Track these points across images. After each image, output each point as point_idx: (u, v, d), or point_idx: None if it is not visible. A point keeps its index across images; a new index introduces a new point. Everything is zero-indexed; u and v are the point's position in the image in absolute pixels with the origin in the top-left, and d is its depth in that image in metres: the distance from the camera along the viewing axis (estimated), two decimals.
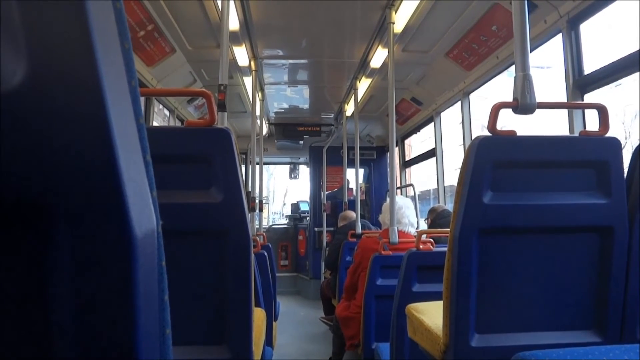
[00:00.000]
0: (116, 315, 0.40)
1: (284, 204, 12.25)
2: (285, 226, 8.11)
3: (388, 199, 3.05)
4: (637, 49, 2.25)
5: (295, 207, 8.28)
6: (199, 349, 1.41)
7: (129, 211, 0.40)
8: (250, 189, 4.61)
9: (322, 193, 7.15)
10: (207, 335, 1.43)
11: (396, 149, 6.25)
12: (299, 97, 5.71)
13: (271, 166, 10.14)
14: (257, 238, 3.34)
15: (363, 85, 4.77)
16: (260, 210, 4.97)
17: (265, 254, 3.15)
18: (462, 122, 4.28)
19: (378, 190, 7.36)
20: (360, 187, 6.31)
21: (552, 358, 1.08)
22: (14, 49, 0.36)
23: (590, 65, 2.64)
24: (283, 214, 11.61)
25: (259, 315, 2.17)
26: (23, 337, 0.39)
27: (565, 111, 2.73)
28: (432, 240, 2.44)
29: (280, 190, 13.07)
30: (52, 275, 0.39)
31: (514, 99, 1.45)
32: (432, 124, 5.12)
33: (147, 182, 0.46)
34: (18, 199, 0.37)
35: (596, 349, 1.11)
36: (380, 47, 3.81)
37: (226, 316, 1.42)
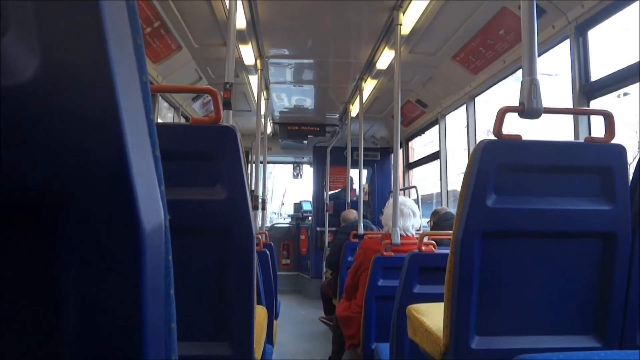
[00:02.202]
0: (123, 309, 0.40)
1: (283, 204, 12.14)
2: (288, 225, 8.12)
3: (390, 200, 3.04)
4: None
5: (298, 206, 8.29)
6: (201, 345, 1.41)
7: (138, 205, 0.40)
8: (253, 188, 4.62)
9: (325, 193, 7.15)
10: (208, 331, 1.43)
11: (400, 151, 6.25)
12: (304, 96, 5.71)
13: (270, 165, 10.13)
14: (260, 236, 3.35)
15: (368, 86, 4.77)
16: (263, 208, 4.98)
17: (267, 252, 3.15)
18: (467, 125, 4.28)
19: (381, 192, 7.35)
20: (364, 188, 6.30)
21: None
22: (27, 43, 0.37)
23: (606, 68, 2.61)
24: (281, 214, 11.54)
25: (260, 313, 2.18)
26: (30, 326, 0.39)
27: (570, 117, 2.73)
28: (434, 242, 2.44)
29: (279, 190, 12.93)
30: (60, 267, 0.39)
31: (520, 104, 1.45)
32: (437, 126, 5.12)
33: (155, 177, 0.47)
34: (28, 191, 0.38)
35: (595, 354, 1.12)
36: (386, 49, 3.81)
37: (228, 313, 1.42)
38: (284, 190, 12.20)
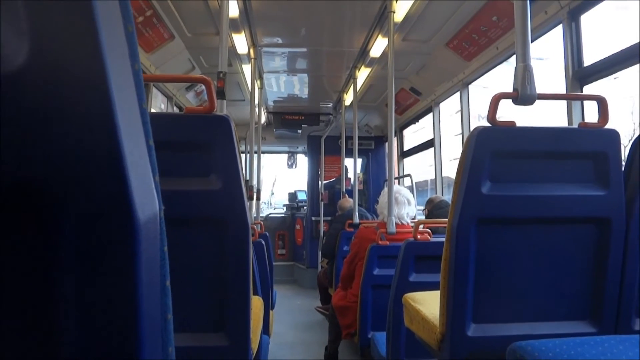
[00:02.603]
0: (119, 300, 0.40)
1: (272, 194, 12.04)
2: (283, 215, 8.12)
3: (386, 189, 3.04)
4: (638, 41, 2.24)
5: (293, 196, 8.29)
6: (198, 336, 1.42)
7: (133, 195, 0.40)
8: (248, 178, 4.60)
9: (319, 182, 7.15)
10: (205, 322, 1.43)
11: (394, 139, 6.24)
12: (298, 85, 5.68)
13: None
14: (255, 227, 3.34)
15: (362, 74, 4.75)
16: (258, 199, 4.97)
17: (263, 242, 3.15)
18: (461, 112, 4.27)
19: (376, 180, 7.36)
20: (358, 177, 6.30)
21: (548, 348, 1.09)
22: (16, 29, 0.36)
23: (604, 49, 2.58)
24: (271, 204, 11.48)
25: (256, 303, 2.18)
26: (27, 316, 0.39)
27: (562, 103, 2.73)
28: (429, 230, 2.45)
29: (269, 180, 12.76)
30: (55, 258, 0.39)
31: (514, 90, 1.45)
32: (431, 114, 5.11)
33: (150, 167, 0.46)
34: (21, 183, 0.37)
35: (591, 339, 1.13)
36: (380, 36, 3.78)
37: (225, 304, 1.42)
38: (273, 179, 12.06)
